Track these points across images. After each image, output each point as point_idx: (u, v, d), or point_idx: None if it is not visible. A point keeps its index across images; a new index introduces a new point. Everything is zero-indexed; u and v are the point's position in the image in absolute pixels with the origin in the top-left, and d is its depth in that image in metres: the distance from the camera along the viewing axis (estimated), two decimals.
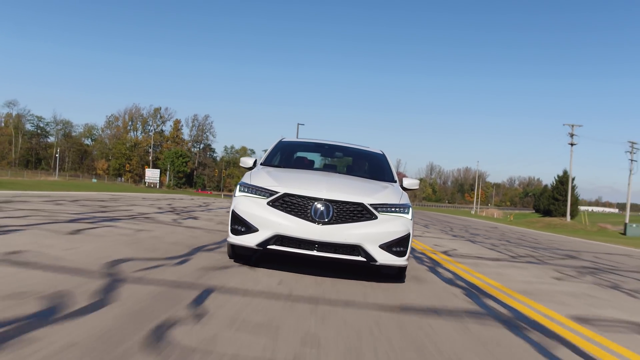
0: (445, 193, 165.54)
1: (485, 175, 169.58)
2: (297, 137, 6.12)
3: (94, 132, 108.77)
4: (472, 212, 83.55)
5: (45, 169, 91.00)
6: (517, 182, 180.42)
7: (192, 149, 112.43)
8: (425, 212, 65.20)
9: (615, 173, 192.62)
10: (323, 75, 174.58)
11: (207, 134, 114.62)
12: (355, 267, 5.53)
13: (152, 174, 61.82)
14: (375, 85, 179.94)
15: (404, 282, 5.33)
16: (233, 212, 4.99)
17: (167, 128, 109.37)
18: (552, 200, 55.75)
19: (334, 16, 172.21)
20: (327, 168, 6.83)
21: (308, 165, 6.66)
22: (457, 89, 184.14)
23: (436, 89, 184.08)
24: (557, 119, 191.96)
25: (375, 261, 4.76)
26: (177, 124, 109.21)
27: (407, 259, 5.00)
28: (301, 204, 4.78)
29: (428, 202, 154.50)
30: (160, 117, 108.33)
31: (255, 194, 4.97)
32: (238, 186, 5.20)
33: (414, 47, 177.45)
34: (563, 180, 53.30)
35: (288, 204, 4.81)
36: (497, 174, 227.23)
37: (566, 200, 53.70)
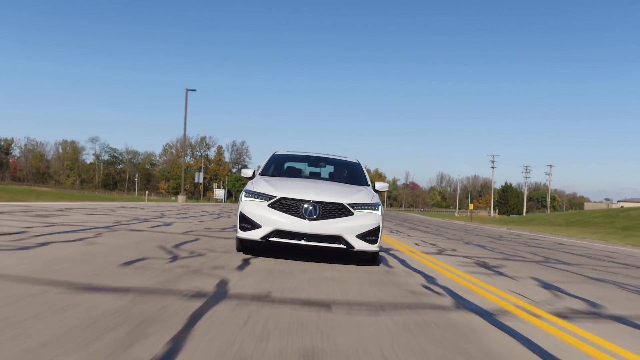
0: (454, 200, 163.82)
1: (493, 181, 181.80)
2: (287, 151, 8.27)
3: (152, 158, 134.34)
4: (455, 214, 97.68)
5: (121, 190, 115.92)
6: (524, 188, 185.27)
7: (232, 169, 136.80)
8: (410, 214, 75.71)
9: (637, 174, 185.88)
10: (328, 84, 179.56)
11: (244, 156, 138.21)
12: (338, 253, 6.48)
13: (219, 193, 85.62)
14: (386, 94, 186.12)
15: (378, 265, 6.36)
16: (241, 213, 5.97)
17: (211, 153, 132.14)
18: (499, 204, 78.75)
19: (334, 23, 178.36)
20: (313, 175, 7.90)
21: (297, 173, 7.82)
22: (462, 94, 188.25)
23: (445, 96, 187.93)
24: (557, 120, 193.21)
25: (353, 248, 5.84)
26: (219, 149, 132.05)
27: (379, 246, 6.08)
28: (294, 205, 5.79)
29: (438, 208, 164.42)
30: (206, 144, 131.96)
31: (257, 198, 5.96)
32: (243, 192, 6.23)
33: (421, 53, 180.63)
34: (505, 189, 76.38)
35: (284, 205, 5.83)
36: (508, 179, 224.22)
37: (507, 203, 76.63)
